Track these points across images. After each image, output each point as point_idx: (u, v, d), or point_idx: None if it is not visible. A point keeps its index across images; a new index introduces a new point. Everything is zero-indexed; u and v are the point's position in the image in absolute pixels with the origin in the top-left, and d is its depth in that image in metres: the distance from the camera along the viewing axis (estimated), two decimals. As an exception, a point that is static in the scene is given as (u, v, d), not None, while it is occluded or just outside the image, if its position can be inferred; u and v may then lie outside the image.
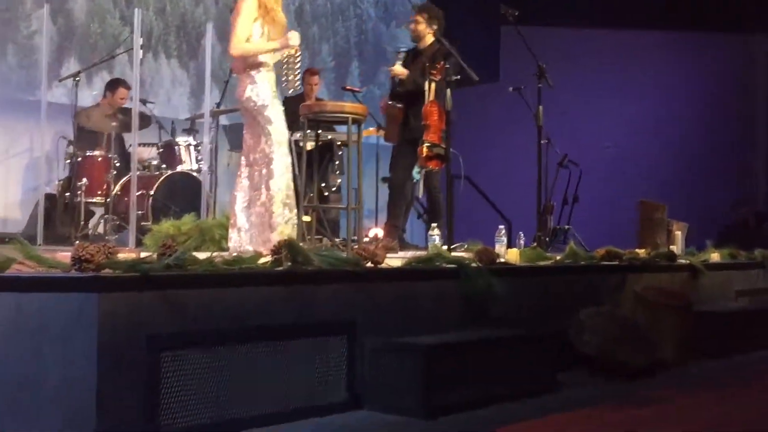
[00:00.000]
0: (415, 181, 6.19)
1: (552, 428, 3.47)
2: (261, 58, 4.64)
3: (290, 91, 4.82)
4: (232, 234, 4.66)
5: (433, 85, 5.78)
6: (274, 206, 4.58)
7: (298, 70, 4.73)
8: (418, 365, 3.58)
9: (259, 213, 4.62)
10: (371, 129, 7.90)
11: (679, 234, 6.54)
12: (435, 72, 5.71)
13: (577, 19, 9.86)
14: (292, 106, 7.61)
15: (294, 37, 4.66)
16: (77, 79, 6.89)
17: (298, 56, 4.71)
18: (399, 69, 6.12)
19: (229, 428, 3.17)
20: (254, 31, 4.62)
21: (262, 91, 4.65)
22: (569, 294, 4.79)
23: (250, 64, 4.66)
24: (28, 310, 2.88)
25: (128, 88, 7.26)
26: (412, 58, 6.24)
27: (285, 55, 4.71)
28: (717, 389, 4.42)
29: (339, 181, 7.71)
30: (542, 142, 6.45)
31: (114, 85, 7.37)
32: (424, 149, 5.65)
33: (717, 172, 10.14)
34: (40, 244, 5.94)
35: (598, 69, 10.12)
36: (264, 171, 4.63)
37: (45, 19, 6.55)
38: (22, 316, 2.87)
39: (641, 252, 5.61)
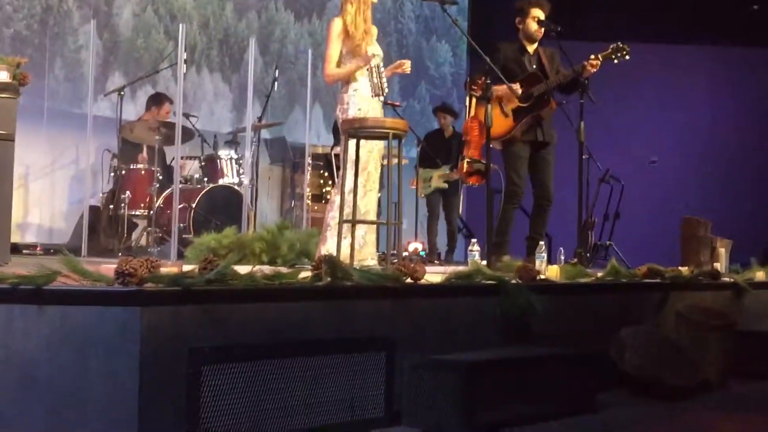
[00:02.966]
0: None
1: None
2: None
3: (380, 98, 5.07)
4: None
5: (474, 100, 5.77)
6: (332, 222, 4.87)
7: (383, 76, 5.01)
8: (459, 383, 3.56)
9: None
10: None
11: (723, 251, 6.44)
12: (476, 87, 5.70)
13: (620, 34, 9.79)
14: (431, 141, 7.92)
15: (371, 50, 5.02)
16: (122, 93, 7.01)
17: (380, 65, 5.01)
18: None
19: (268, 443, 3.18)
20: (342, 49, 5.03)
21: (350, 109, 5.00)
22: (610, 312, 4.74)
23: (341, 83, 5.08)
24: (73, 323, 2.92)
25: (171, 102, 7.37)
26: (538, 64, 5.91)
27: (367, 68, 5.00)
28: (762, 412, 4.34)
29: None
30: (584, 157, 6.40)
31: (159, 100, 7.48)
32: (465, 165, 5.63)
33: (764, 187, 9.98)
34: (84, 256, 6.04)
35: (641, 83, 10.05)
36: (333, 190, 4.86)
37: (92, 33, 6.67)
38: (66, 328, 2.91)
39: (684, 270, 5.53)
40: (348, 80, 5.05)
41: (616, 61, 5.84)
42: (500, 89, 5.56)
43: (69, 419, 2.88)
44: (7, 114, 4.39)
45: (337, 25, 5.05)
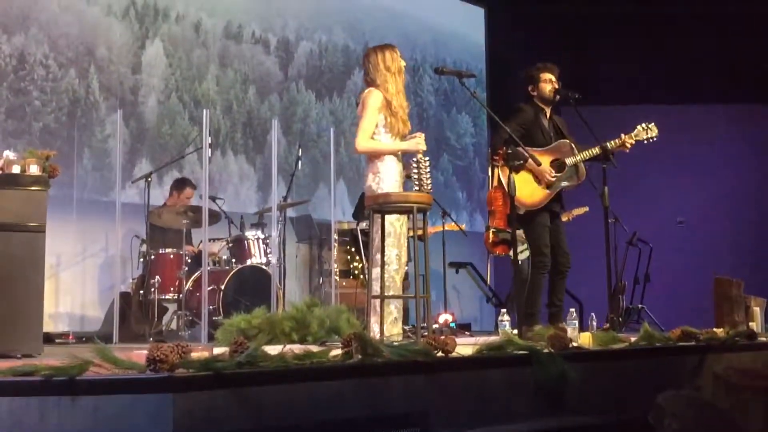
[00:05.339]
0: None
1: None
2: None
3: (416, 188, 4.89)
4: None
5: (496, 170, 5.81)
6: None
7: (429, 172, 4.88)
8: (495, 457, 3.51)
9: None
10: (438, 226, 7.94)
11: (757, 310, 6.34)
12: (497, 158, 5.74)
13: (638, 96, 9.86)
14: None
15: (421, 141, 4.92)
16: (149, 179, 7.12)
17: (427, 160, 4.89)
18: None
19: None
20: (378, 122, 4.91)
21: (385, 181, 4.90)
22: (646, 377, 4.65)
23: (376, 154, 4.95)
24: (106, 413, 2.92)
25: (194, 187, 7.48)
26: (554, 128, 5.99)
27: (414, 159, 4.89)
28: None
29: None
30: (610, 221, 6.39)
31: (180, 185, 7.60)
32: (490, 235, 5.64)
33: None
34: (116, 343, 6.06)
35: (664, 144, 10.04)
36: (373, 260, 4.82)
37: (118, 123, 6.82)
38: (99, 418, 2.91)
39: (719, 331, 5.45)
40: (377, 157, 4.97)
41: (645, 142, 5.96)
42: (531, 163, 5.58)
43: None
44: (37, 206, 4.48)
45: (377, 97, 4.92)
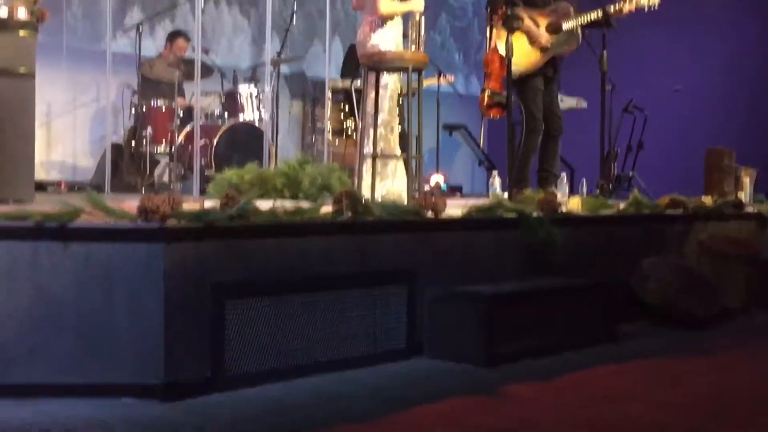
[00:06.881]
0: None
1: (610, 378, 3.47)
2: None
3: (412, 47, 4.89)
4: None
5: (494, 31, 5.68)
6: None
7: (423, 32, 4.89)
8: (480, 314, 3.60)
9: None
10: (432, 78, 7.86)
11: (747, 181, 6.38)
12: (497, 18, 5.60)
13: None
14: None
15: (421, 2, 4.97)
16: (140, 29, 6.96)
17: (421, 19, 4.89)
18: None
19: (291, 375, 3.24)
20: None
21: (387, 38, 4.87)
22: (632, 243, 4.73)
23: (366, 16, 4.94)
24: (98, 260, 2.96)
25: (188, 39, 7.32)
26: None
27: (411, 19, 4.90)
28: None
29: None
30: (606, 87, 6.31)
31: (173, 36, 7.44)
32: (485, 97, 5.58)
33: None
34: (107, 193, 6.08)
35: (663, 10, 9.85)
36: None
37: (109, -32, 6.60)
38: (91, 265, 2.95)
39: (707, 200, 5.50)
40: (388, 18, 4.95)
41: (647, 9, 5.73)
42: (529, 24, 5.48)
43: (97, 354, 2.94)
44: (26, 51, 4.38)
45: None
